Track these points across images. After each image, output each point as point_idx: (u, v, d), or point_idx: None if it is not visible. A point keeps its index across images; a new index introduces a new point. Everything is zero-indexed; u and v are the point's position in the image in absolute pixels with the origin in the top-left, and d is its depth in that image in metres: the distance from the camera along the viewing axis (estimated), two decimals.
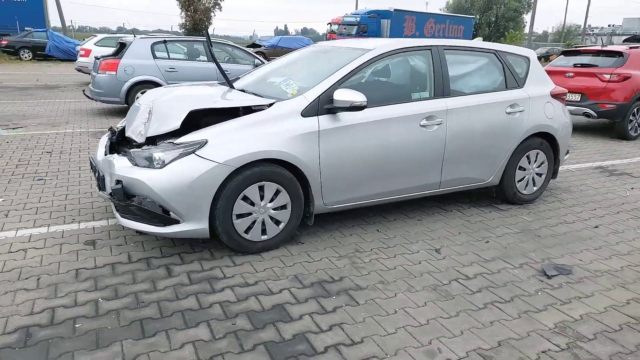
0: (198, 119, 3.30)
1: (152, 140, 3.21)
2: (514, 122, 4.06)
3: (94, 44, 13.87)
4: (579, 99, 7.83)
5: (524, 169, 4.30)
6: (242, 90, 3.78)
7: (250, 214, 3.12)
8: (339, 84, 3.35)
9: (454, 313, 2.59)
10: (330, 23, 33.75)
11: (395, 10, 32.77)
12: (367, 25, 31.33)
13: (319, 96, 3.27)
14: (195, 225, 2.97)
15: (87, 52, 13.28)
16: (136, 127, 3.36)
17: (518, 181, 4.31)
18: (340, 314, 2.54)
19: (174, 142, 2.99)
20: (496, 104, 3.98)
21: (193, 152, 2.92)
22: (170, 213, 2.93)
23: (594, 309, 2.68)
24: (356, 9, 40.61)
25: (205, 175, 2.89)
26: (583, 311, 2.65)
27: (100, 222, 3.67)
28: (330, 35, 32.16)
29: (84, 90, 8.89)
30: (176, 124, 3.08)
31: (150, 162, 2.96)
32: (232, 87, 3.74)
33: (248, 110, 3.25)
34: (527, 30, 53.36)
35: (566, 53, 8.69)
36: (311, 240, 3.47)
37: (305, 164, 3.17)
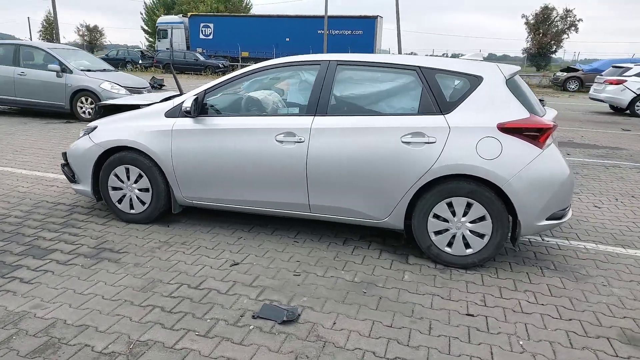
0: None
1: None
2: (414, 155, 3.27)
3: None
4: None
5: (446, 220, 3.35)
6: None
7: (121, 189, 3.98)
8: (205, 92, 3.75)
9: (115, 298, 2.80)
10: None
11: None
12: None
13: (183, 101, 3.78)
14: (85, 187, 4.08)
15: None
16: None
17: (435, 233, 3.39)
18: (64, 268, 3.17)
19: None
20: (386, 129, 3.33)
21: (87, 133, 4.04)
22: (75, 175, 4.14)
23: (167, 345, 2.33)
24: None
25: (88, 151, 3.96)
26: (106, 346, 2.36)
27: None
28: None
29: None
30: (94, 115, 4.29)
31: None
32: (181, 93, 4.55)
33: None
34: None
35: None
36: (177, 227, 3.99)
37: (158, 155, 3.76)
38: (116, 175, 3.94)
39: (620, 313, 2.88)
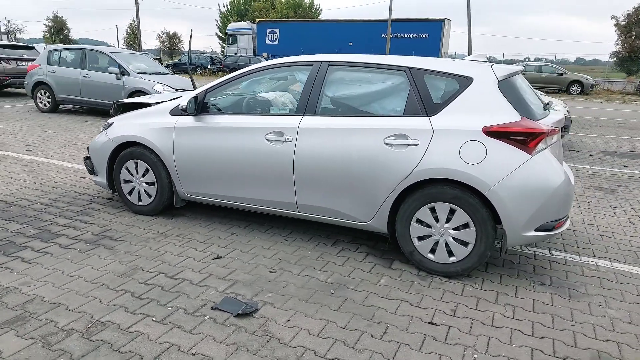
0: None
1: None
2: (397, 157, 3.21)
3: None
4: None
5: (429, 226, 3.25)
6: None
7: (131, 181, 4.25)
8: (206, 92, 3.91)
9: (95, 281, 3.01)
10: None
11: None
12: None
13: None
14: (101, 179, 4.39)
15: None
16: None
17: (418, 239, 3.30)
18: (63, 251, 3.45)
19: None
20: (370, 130, 3.29)
21: (105, 129, 4.35)
22: (94, 168, 4.47)
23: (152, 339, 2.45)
24: None
25: (104, 145, 4.27)
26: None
27: None
28: None
29: None
30: (113, 113, 4.60)
31: None
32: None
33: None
34: None
35: None
36: (179, 220, 4.18)
37: (161, 150, 3.97)
38: (127, 169, 4.21)
39: (604, 335, 2.64)
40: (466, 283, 3.20)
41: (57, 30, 56.98)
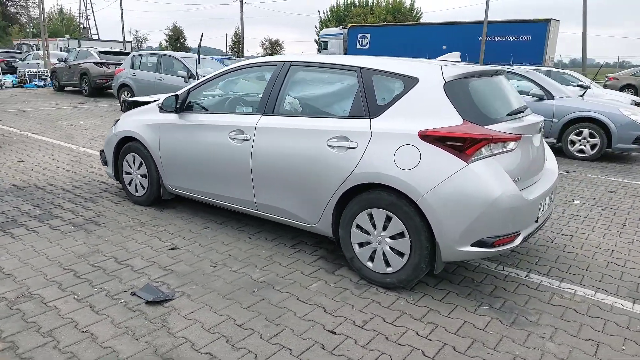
0: None
1: None
2: (337, 159, 3.13)
3: None
4: None
5: (367, 233, 3.12)
6: None
7: (130, 173, 4.62)
8: (189, 91, 4.13)
9: (54, 259, 3.35)
10: None
11: None
12: None
13: None
14: (110, 169, 4.83)
15: None
16: None
17: (358, 245, 3.18)
18: (49, 231, 3.87)
19: None
20: (316, 131, 3.24)
21: (114, 124, 4.78)
22: (106, 159, 4.93)
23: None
24: None
25: (111, 139, 4.70)
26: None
27: None
28: None
29: None
30: (124, 110, 5.00)
31: None
32: None
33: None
34: None
35: None
36: (167, 212, 4.44)
37: (150, 145, 4.27)
38: (127, 162, 4.59)
39: None
40: (402, 296, 3.01)
41: (175, 39, 62.65)
